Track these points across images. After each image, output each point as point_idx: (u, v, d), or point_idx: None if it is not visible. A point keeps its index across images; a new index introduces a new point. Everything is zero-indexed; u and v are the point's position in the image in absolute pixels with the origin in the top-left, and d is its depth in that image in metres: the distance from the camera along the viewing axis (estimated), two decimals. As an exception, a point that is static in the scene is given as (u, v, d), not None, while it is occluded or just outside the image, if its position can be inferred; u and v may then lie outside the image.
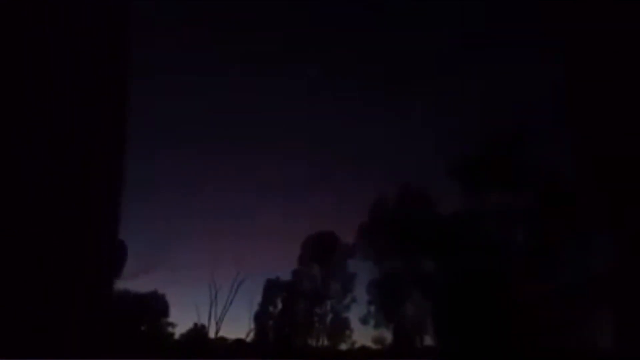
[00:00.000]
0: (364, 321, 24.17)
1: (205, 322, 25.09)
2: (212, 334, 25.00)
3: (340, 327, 26.39)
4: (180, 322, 27.39)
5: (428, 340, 22.54)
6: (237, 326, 28.40)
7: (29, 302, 1.52)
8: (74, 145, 1.78)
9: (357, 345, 25.98)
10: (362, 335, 25.74)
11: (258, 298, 27.17)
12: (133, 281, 20.61)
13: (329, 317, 26.63)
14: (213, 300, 24.72)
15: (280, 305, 27.41)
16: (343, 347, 26.37)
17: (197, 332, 26.29)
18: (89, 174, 1.78)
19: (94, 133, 1.85)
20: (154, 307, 26.29)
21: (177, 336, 27.26)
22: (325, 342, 26.53)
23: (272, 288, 27.49)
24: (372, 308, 23.83)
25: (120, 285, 18.96)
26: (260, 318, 27.07)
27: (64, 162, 1.71)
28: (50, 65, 1.81)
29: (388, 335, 23.65)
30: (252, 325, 26.66)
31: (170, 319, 27.25)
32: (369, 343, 24.85)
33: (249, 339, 26.34)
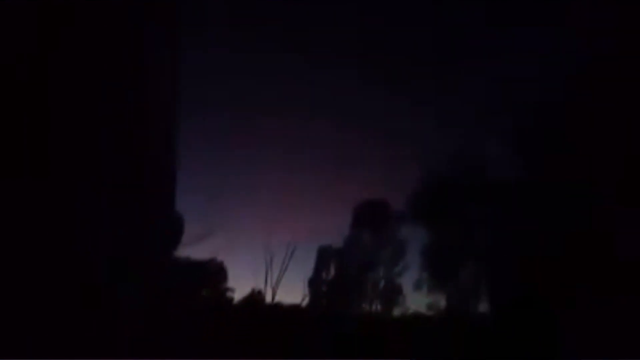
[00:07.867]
0: (416, 287, 24.31)
1: (262, 288, 25.99)
2: (268, 300, 25.91)
3: (393, 293, 26.58)
4: (238, 288, 28.51)
5: (483, 307, 22.31)
6: (293, 292, 29.31)
7: (87, 277, 1.59)
8: (127, 120, 1.78)
9: (411, 310, 26.15)
10: (416, 302, 25.88)
11: (311, 264, 27.78)
12: (190, 249, 21.45)
13: (382, 283, 26.87)
14: (268, 266, 25.47)
15: (333, 272, 27.89)
16: (396, 312, 26.65)
17: (255, 298, 27.28)
18: (144, 151, 1.79)
19: (148, 107, 1.84)
20: (213, 273, 27.44)
21: (235, 302, 28.43)
22: (379, 308, 26.88)
23: (324, 254, 27.95)
24: (425, 274, 23.80)
25: (179, 253, 19.84)
26: (314, 284, 27.69)
27: (118, 138, 1.72)
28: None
29: (442, 302, 23.60)
30: (307, 291, 27.36)
31: (229, 285, 28.44)
32: (423, 309, 24.92)
33: (304, 304, 27.09)
